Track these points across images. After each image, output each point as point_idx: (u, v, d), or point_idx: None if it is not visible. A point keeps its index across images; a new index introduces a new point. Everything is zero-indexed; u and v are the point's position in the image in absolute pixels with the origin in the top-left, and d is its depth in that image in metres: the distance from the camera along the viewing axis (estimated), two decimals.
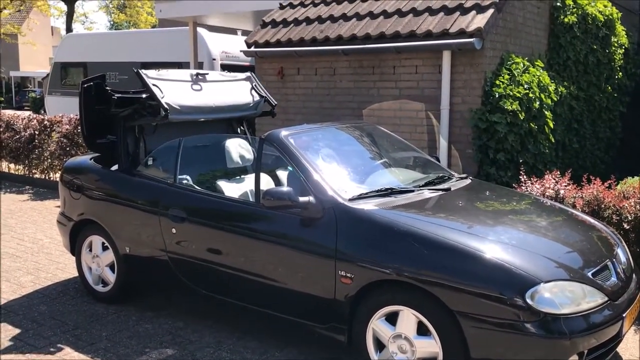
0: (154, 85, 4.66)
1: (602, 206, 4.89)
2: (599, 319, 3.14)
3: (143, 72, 4.69)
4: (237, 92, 5.38)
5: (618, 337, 3.29)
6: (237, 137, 5.00)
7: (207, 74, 5.22)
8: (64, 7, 34.31)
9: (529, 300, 3.00)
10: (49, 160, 10.02)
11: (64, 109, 12.11)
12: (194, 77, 5.07)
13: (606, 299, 3.22)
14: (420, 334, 3.30)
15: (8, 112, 11.66)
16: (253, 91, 5.51)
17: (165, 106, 4.61)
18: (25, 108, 34.61)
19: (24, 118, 10.69)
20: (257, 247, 3.91)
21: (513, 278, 3.07)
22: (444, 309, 3.18)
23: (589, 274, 3.29)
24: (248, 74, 5.63)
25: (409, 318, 3.31)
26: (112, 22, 50.06)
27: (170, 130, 5.00)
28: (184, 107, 4.80)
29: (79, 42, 16.01)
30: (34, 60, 47.12)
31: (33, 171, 10.51)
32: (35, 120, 10.39)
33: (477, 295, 3.09)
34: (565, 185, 5.20)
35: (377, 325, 3.43)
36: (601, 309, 3.17)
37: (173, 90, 4.79)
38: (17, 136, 10.33)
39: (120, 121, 4.81)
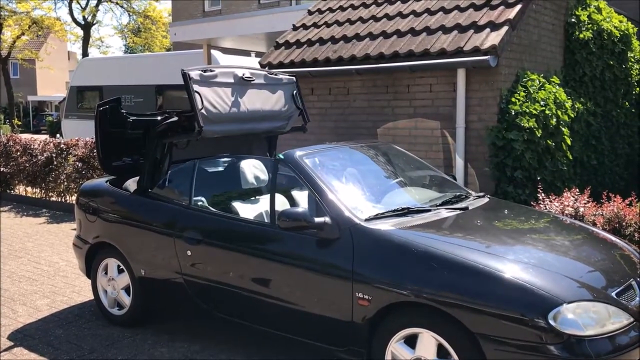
0: (196, 92, 4.39)
1: (624, 224, 4.80)
2: (624, 341, 3.04)
3: (190, 73, 4.39)
4: (276, 99, 5.11)
5: None
6: (252, 157, 4.98)
7: (252, 79, 4.87)
8: (80, 32, 34.90)
9: (551, 322, 2.93)
10: (65, 183, 10.10)
11: (80, 133, 12.25)
12: (239, 79, 4.76)
13: (632, 319, 3.13)
14: (441, 357, 3.22)
15: (25, 136, 11.80)
16: (291, 101, 5.24)
17: (201, 122, 4.37)
18: (43, 132, 35.08)
19: (41, 142, 10.80)
20: (272, 269, 3.87)
21: (534, 299, 3.00)
22: (464, 331, 3.11)
23: (613, 294, 3.20)
24: (293, 78, 5.36)
25: (428, 341, 3.24)
26: (127, 46, 50.79)
27: (201, 146, 4.92)
28: (222, 117, 4.54)
29: (95, 66, 16.22)
30: (51, 85, 47.88)
31: (50, 194, 10.60)
32: (51, 144, 10.50)
33: (498, 317, 3.02)
34: (585, 203, 5.12)
35: (396, 348, 3.36)
36: (627, 330, 3.08)
37: (214, 96, 4.52)
38: (34, 160, 10.44)
39: (153, 139, 4.72)
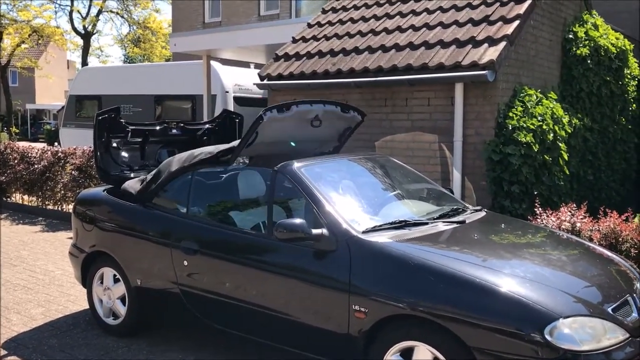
0: (256, 132, 4.18)
1: (620, 239, 4.81)
2: (620, 357, 3.04)
3: (264, 116, 4.11)
4: (326, 131, 4.88)
5: None
6: (249, 169, 4.98)
7: (319, 124, 4.61)
8: (80, 41, 34.99)
9: (547, 336, 2.93)
10: (62, 191, 10.08)
11: (78, 141, 12.24)
12: (307, 120, 4.55)
13: (627, 335, 3.13)
14: None
15: (23, 144, 11.80)
16: (338, 134, 5.08)
17: (240, 158, 4.26)
18: (40, 140, 35.05)
19: (38, 150, 10.80)
20: (269, 280, 3.87)
21: (531, 313, 3.01)
22: (460, 345, 3.11)
23: (609, 310, 3.21)
24: (359, 117, 5.01)
25: (424, 354, 3.24)
26: (126, 56, 50.90)
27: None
28: (262, 146, 4.36)
29: (94, 75, 16.24)
30: (50, 93, 47.92)
31: (46, 202, 10.57)
32: (49, 153, 10.49)
33: (494, 331, 3.01)
34: (582, 218, 5.13)
35: None
36: (622, 346, 3.08)
37: (270, 132, 4.28)
38: (31, 168, 10.43)
39: (180, 168, 4.59)
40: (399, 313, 3.29)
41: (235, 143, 4.44)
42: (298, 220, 3.66)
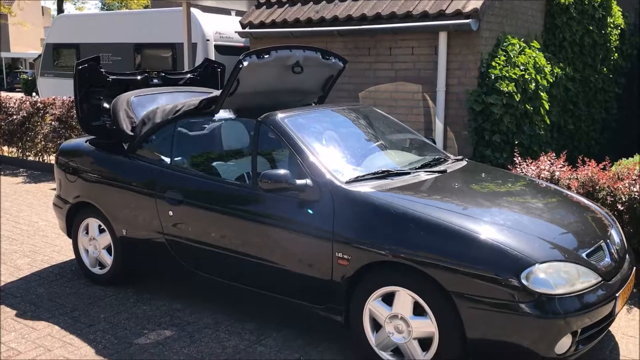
0: (237, 79, 4.12)
1: (597, 187, 4.92)
2: (592, 299, 3.18)
3: (244, 62, 4.05)
4: (309, 80, 4.83)
5: (611, 317, 3.34)
6: (233, 119, 4.97)
7: (301, 71, 4.55)
8: None
9: (524, 281, 3.04)
10: (43, 142, 9.98)
11: (57, 91, 12.05)
12: (289, 67, 4.48)
13: (600, 279, 3.26)
14: (417, 315, 3.33)
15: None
16: (321, 83, 5.02)
17: (222, 107, 4.25)
18: (17, 90, 34.35)
19: (17, 100, 10.62)
20: (254, 229, 3.93)
21: (508, 259, 3.11)
22: (440, 290, 3.21)
23: (584, 255, 3.32)
24: (341, 64, 4.96)
25: (405, 299, 3.35)
26: (103, 3, 49.52)
27: None
28: (245, 96, 4.33)
29: (71, 23, 15.83)
30: (25, 41, 46.71)
31: (27, 154, 10.48)
32: (27, 103, 10.33)
33: (473, 276, 3.12)
34: (561, 167, 5.23)
35: (373, 305, 3.46)
36: (595, 289, 3.21)
37: (251, 81, 4.24)
38: (10, 118, 10.28)
39: (165, 121, 4.59)
40: (381, 260, 3.38)
41: (217, 93, 4.43)
42: (282, 171, 3.69)
